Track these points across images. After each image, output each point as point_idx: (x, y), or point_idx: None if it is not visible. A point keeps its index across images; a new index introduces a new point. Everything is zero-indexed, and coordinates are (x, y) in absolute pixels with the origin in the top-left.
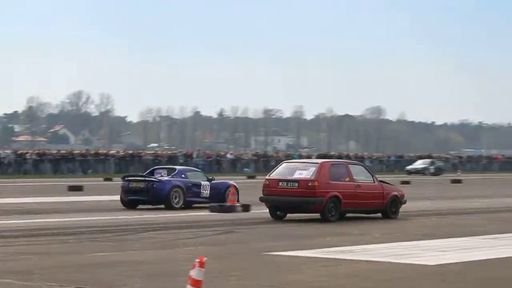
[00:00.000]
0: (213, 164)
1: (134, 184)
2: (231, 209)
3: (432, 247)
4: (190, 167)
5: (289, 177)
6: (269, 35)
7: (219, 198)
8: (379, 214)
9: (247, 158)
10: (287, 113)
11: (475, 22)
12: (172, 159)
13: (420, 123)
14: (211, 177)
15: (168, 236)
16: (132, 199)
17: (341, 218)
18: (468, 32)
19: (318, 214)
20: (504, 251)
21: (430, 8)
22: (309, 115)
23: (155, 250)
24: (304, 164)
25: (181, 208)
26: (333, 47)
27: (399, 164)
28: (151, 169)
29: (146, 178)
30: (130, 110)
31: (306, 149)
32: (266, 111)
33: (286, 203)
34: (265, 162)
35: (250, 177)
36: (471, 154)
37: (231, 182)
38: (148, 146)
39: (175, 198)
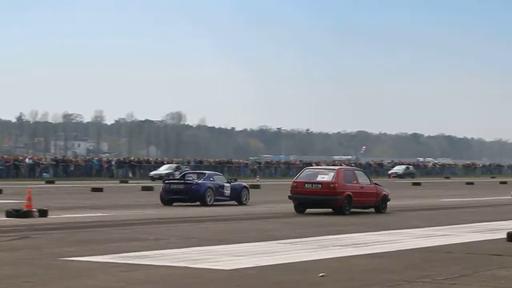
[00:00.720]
0: (11, 168)
1: (174, 186)
2: (27, 214)
3: (227, 251)
4: (215, 172)
5: (313, 180)
6: (73, 37)
7: (236, 197)
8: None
9: (46, 163)
10: (87, 118)
11: (275, 27)
12: None
13: (220, 128)
14: (230, 180)
15: None
16: (172, 198)
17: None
18: (263, 38)
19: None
20: (297, 255)
21: (226, 14)
22: (109, 120)
23: None
24: (323, 170)
25: (212, 205)
26: (132, 51)
27: (198, 168)
28: (183, 173)
29: (186, 181)
30: None
31: (107, 154)
32: (66, 116)
33: (311, 201)
34: (64, 167)
35: (48, 182)
36: (270, 159)
37: (244, 184)
38: None
39: (208, 196)
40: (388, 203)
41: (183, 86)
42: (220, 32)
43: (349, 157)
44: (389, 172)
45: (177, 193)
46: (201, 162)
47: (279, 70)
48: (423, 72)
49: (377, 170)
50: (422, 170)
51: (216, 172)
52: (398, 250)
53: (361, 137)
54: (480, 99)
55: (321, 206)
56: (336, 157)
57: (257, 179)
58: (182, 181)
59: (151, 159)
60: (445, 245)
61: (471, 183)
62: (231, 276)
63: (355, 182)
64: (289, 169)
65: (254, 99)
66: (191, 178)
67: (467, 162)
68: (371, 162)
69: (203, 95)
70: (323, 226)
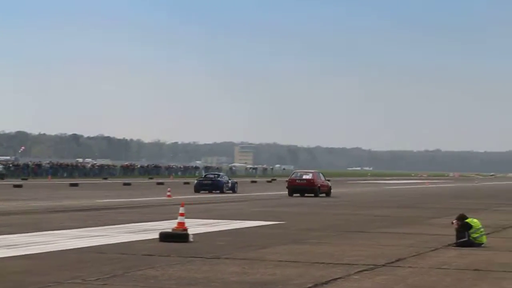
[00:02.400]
0: None
1: (204, 182)
2: None
3: None
4: (223, 173)
5: (301, 178)
6: None
7: (232, 188)
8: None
9: None
10: None
11: None
12: None
13: None
14: (229, 178)
15: None
16: (202, 188)
17: None
18: None
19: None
20: None
21: None
22: None
23: None
24: (305, 172)
25: (226, 193)
26: None
27: None
28: (205, 174)
29: (212, 178)
30: None
31: None
32: None
33: (300, 189)
34: None
35: None
36: None
37: (235, 180)
38: None
39: (224, 188)
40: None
41: None
42: None
43: (8, 157)
44: None
45: (206, 186)
46: None
47: None
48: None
49: (35, 171)
50: (81, 171)
51: (223, 173)
52: (51, 251)
53: (20, 138)
54: (158, 102)
55: (305, 192)
56: None
57: None
58: (209, 178)
59: None
60: (100, 245)
61: (129, 184)
62: None
63: (320, 179)
64: None
65: None
66: (212, 176)
67: (126, 163)
68: (29, 162)
69: None
70: None
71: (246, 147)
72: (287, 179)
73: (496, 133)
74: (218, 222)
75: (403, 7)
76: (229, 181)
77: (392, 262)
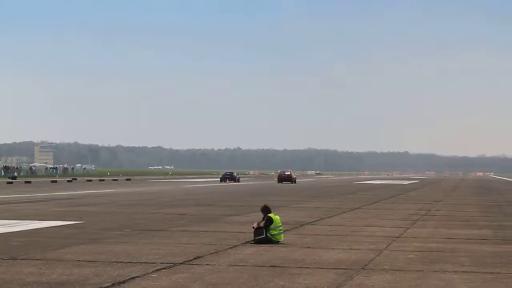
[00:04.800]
0: None
1: (226, 176)
2: None
3: None
4: (233, 171)
5: (285, 173)
6: None
7: (238, 180)
8: None
9: None
10: None
11: None
12: None
13: None
14: (237, 174)
15: None
16: (225, 179)
17: None
18: None
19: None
20: None
21: None
22: None
23: None
24: (287, 170)
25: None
26: None
27: None
28: (224, 171)
29: (230, 174)
30: None
31: None
32: None
33: (284, 179)
34: None
35: None
36: None
37: (239, 175)
38: None
39: (238, 179)
40: None
41: None
42: None
43: None
44: None
45: (228, 179)
46: None
47: None
48: None
49: None
50: None
51: (233, 171)
52: None
53: None
54: None
55: (286, 181)
56: None
57: None
58: (228, 174)
59: None
60: None
61: None
62: None
63: (293, 175)
64: None
65: None
66: (230, 172)
67: None
68: None
69: None
70: None
71: (46, 147)
72: (277, 174)
73: (295, 132)
74: (16, 223)
75: None
76: (238, 176)
77: (190, 260)
